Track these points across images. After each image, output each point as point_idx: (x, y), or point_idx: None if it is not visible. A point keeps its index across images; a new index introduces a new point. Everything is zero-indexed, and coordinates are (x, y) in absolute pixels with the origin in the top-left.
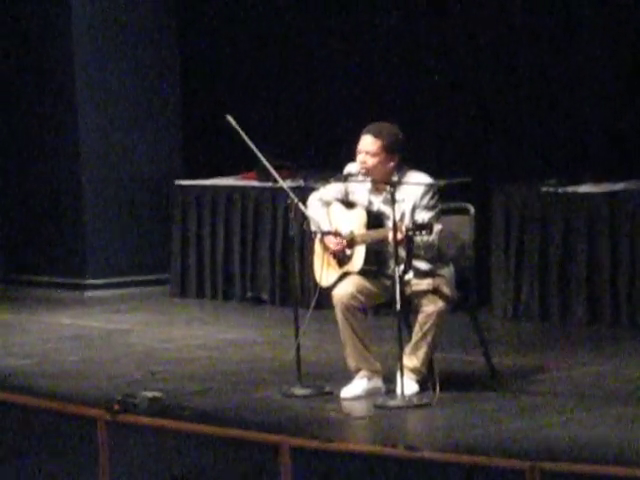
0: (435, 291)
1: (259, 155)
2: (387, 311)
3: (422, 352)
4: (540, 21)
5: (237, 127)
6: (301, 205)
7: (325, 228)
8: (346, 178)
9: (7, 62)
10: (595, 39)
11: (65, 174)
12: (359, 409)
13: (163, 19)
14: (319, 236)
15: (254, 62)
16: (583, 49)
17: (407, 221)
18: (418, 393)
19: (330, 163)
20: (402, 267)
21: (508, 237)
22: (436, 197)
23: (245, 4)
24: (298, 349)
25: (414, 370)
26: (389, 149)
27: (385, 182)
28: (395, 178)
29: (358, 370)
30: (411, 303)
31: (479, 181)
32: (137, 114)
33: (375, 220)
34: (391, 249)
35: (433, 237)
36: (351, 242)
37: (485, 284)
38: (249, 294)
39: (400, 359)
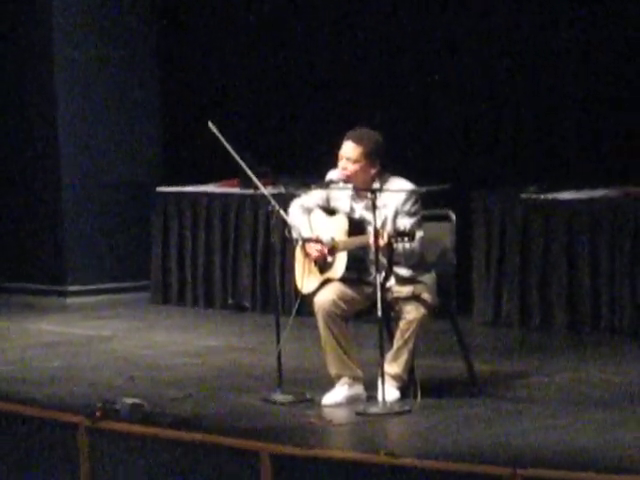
0: (416, 298)
1: (240, 162)
2: (368, 318)
3: (403, 359)
4: (520, 28)
5: (219, 134)
6: (282, 212)
7: (306, 235)
8: (327, 185)
9: None
10: (575, 47)
11: (46, 181)
12: (340, 416)
13: (143, 26)
14: (300, 243)
15: (235, 68)
16: (563, 56)
17: (389, 228)
18: (399, 400)
19: (311, 170)
20: (383, 274)
21: (489, 244)
22: (418, 204)
23: (225, 11)
24: (279, 356)
25: (395, 377)
26: (370, 155)
27: (366, 189)
28: (377, 185)
29: (339, 377)
30: (392, 310)
31: (460, 188)
32: (117, 120)
33: (357, 227)
34: (372, 256)
35: (415, 244)
36: (332, 249)
37: (466, 290)
38: (230, 301)
39: (381, 366)
